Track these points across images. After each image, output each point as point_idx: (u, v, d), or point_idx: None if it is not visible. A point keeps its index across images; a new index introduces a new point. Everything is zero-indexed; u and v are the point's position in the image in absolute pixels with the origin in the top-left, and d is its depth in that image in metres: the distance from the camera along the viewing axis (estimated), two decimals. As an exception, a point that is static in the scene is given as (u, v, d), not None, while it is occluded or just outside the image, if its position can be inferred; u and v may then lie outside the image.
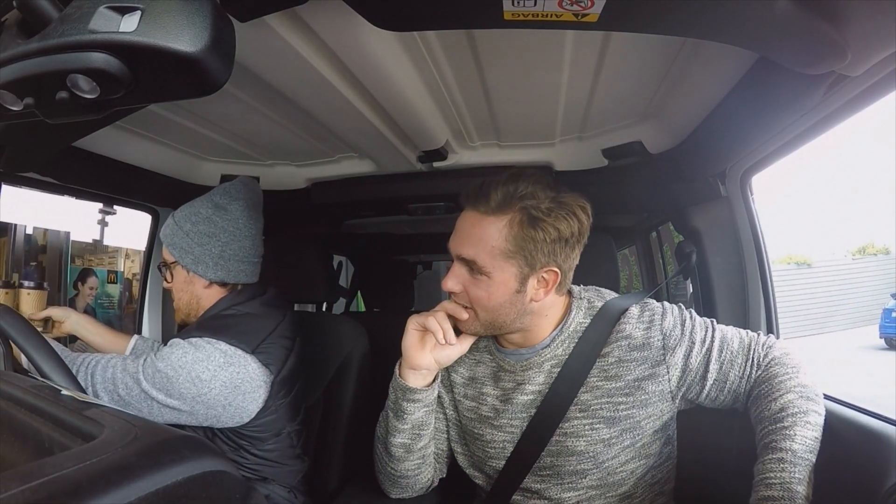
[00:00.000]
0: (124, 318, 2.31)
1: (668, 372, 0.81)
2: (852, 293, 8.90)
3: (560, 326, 0.87)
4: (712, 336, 0.83)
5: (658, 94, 0.98)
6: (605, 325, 0.85)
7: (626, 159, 1.19)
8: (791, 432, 0.72)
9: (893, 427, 0.78)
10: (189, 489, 0.32)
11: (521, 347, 0.89)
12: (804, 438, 0.71)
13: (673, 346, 0.82)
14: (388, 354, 1.86)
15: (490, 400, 0.90)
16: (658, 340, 0.82)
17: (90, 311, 2.19)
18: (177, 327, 1.24)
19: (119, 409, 0.89)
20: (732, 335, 0.84)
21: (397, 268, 2.43)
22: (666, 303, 0.89)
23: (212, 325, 0.99)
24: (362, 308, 2.59)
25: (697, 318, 0.86)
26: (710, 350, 0.82)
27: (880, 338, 7.56)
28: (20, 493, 0.28)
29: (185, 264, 1.03)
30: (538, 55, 0.84)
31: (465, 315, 0.83)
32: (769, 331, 1.16)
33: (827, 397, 0.96)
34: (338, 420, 1.33)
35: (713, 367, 0.81)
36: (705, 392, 0.82)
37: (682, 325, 0.84)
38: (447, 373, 0.96)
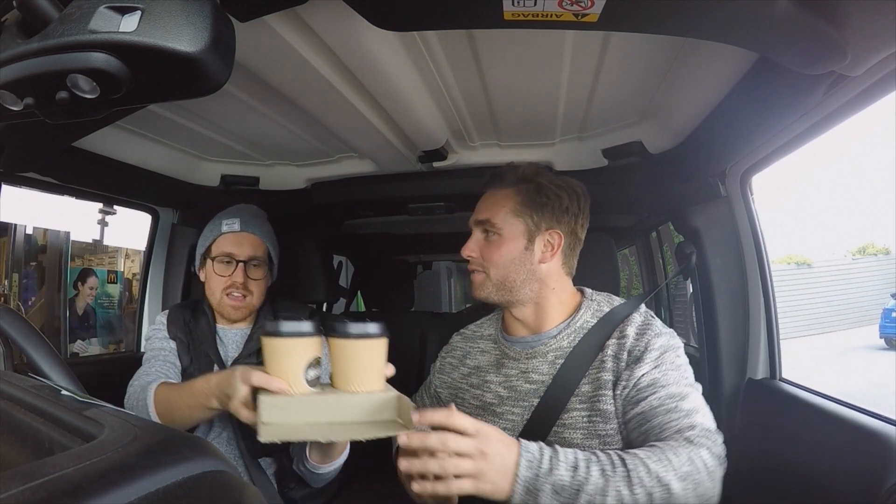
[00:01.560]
0: (124, 318, 2.31)
1: (626, 378, 0.80)
2: (852, 293, 8.90)
3: (568, 320, 0.90)
4: (679, 383, 0.78)
5: (658, 94, 0.98)
6: (609, 326, 0.88)
7: (626, 159, 1.19)
8: (630, 476, 0.64)
9: (893, 427, 0.78)
10: (189, 489, 0.32)
11: (528, 335, 0.93)
12: (621, 490, 0.63)
13: (642, 360, 0.80)
14: (387, 354, 1.87)
15: (493, 387, 0.93)
16: (638, 351, 0.82)
17: (90, 311, 2.19)
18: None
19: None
20: (691, 401, 0.77)
21: (397, 268, 2.43)
22: (671, 332, 0.86)
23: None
24: (362, 308, 2.59)
25: (685, 361, 0.83)
26: (662, 388, 0.77)
27: (880, 338, 7.56)
28: (20, 493, 0.28)
29: (276, 264, 1.18)
30: (538, 55, 0.84)
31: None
32: (769, 331, 1.16)
33: (827, 397, 0.96)
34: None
35: (650, 401, 0.77)
36: (628, 418, 0.79)
37: (665, 353, 0.81)
38: (454, 368, 1.01)
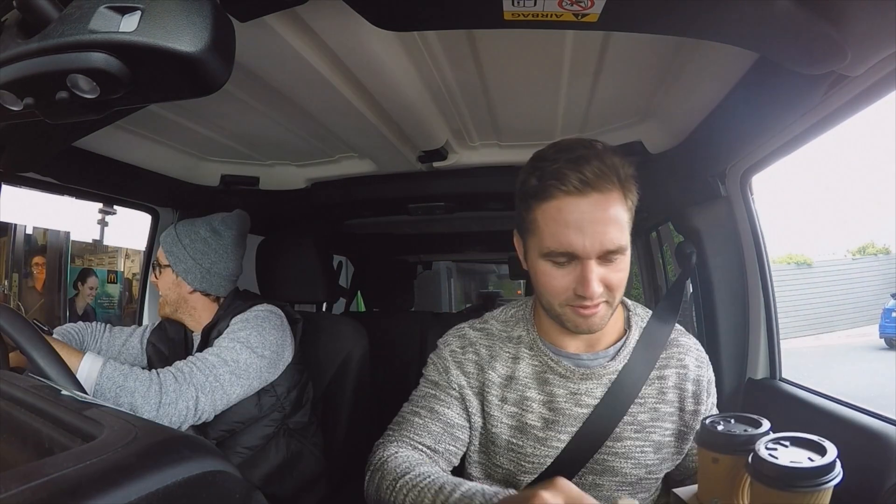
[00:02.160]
0: (124, 318, 2.31)
1: (703, 412, 0.81)
2: (852, 293, 8.90)
3: (623, 339, 0.81)
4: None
5: (658, 94, 0.98)
6: (655, 347, 0.81)
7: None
8: None
9: (893, 427, 0.78)
10: (189, 489, 0.32)
11: (584, 352, 0.80)
12: None
13: (710, 393, 0.83)
14: (387, 354, 1.88)
15: (535, 407, 0.79)
16: (705, 382, 0.82)
17: (90, 311, 2.19)
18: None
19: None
20: None
21: (397, 268, 2.43)
22: None
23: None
24: (362, 308, 2.59)
25: None
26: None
27: (880, 338, 7.56)
28: (20, 493, 0.28)
29: (177, 271, 1.17)
30: (538, 55, 0.84)
31: None
32: (769, 331, 1.16)
33: (827, 397, 0.96)
34: (337, 419, 1.33)
35: None
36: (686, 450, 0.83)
37: (714, 381, 0.85)
38: (480, 370, 0.81)
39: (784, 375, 1.14)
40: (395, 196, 1.45)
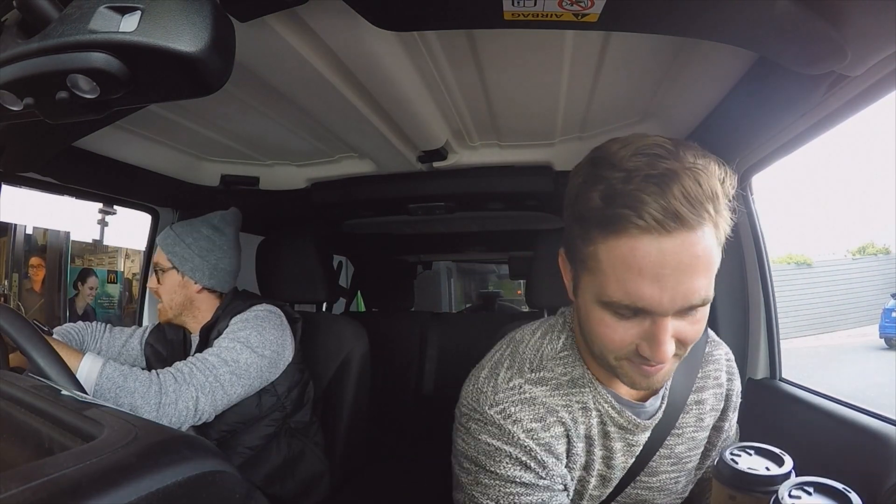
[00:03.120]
0: (124, 318, 2.31)
1: (725, 428, 0.75)
2: (852, 293, 8.90)
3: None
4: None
5: (658, 93, 0.98)
6: (692, 366, 0.69)
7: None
8: None
9: (893, 427, 0.78)
10: (189, 489, 0.32)
11: (643, 399, 0.65)
12: None
13: (737, 406, 0.76)
14: (388, 354, 1.88)
15: (597, 466, 0.64)
16: (734, 396, 0.74)
17: (90, 311, 2.19)
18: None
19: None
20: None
21: (397, 268, 2.43)
22: None
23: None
24: (362, 308, 2.59)
25: None
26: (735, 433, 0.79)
27: (880, 337, 7.56)
28: (20, 493, 0.28)
29: (183, 270, 1.16)
30: (538, 55, 0.84)
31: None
32: (769, 331, 1.16)
33: (827, 397, 0.96)
34: (337, 419, 1.33)
35: (731, 433, 0.78)
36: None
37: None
38: (568, 443, 0.62)
39: (784, 376, 1.15)
40: (395, 196, 1.45)
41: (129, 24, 0.41)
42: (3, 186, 1.18)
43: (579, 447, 0.62)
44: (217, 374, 0.98)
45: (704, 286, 0.51)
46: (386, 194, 1.44)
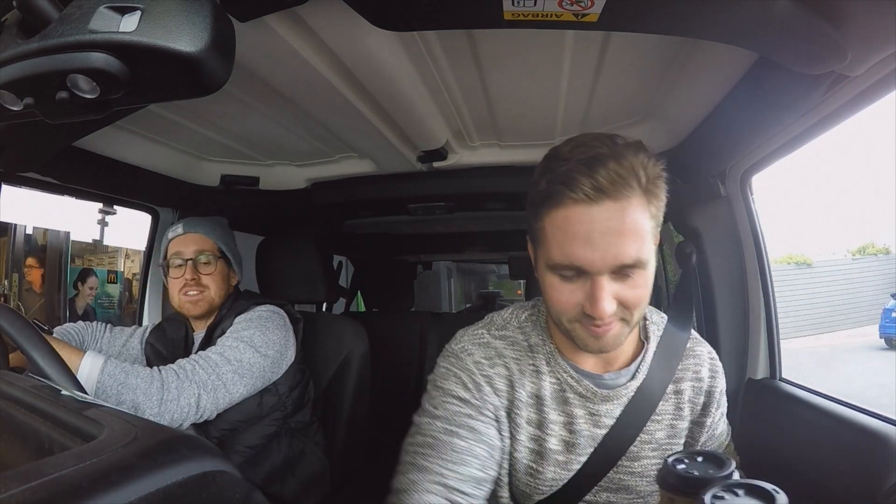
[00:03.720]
0: (124, 318, 2.31)
1: (707, 423, 0.78)
2: (852, 293, 8.90)
3: (642, 355, 0.75)
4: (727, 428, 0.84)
5: (658, 94, 0.98)
6: (673, 358, 0.76)
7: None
8: None
9: (893, 427, 0.78)
10: (189, 489, 0.32)
11: (603, 372, 0.73)
12: None
13: (721, 404, 0.79)
14: (387, 354, 1.88)
15: (557, 429, 0.72)
16: (717, 393, 0.77)
17: (90, 311, 2.19)
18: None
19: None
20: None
21: (397, 268, 2.43)
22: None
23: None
24: (362, 308, 2.59)
25: None
26: (723, 420, 0.82)
27: (880, 337, 7.56)
28: (20, 493, 0.28)
29: (234, 261, 1.20)
30: (538, 55, 0.84)
31: None
32: (769, 331, 1.16)
33: (827, 397, 0.96)
34: (337, 419, 1.33)
35: (721, 439, 0.81)
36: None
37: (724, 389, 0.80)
38: (511, 388, 0.72)
39: (784, 376, 1.15)
40: (395, 196, 1.45)
41: (129, 24, 0.41)
42: (3, 186, 1.18)
43: (523, 398, 0.72)
44: (220, 373, 0.98)
45: (634, 249, 0.60)
46: (386, 194, 1.44)
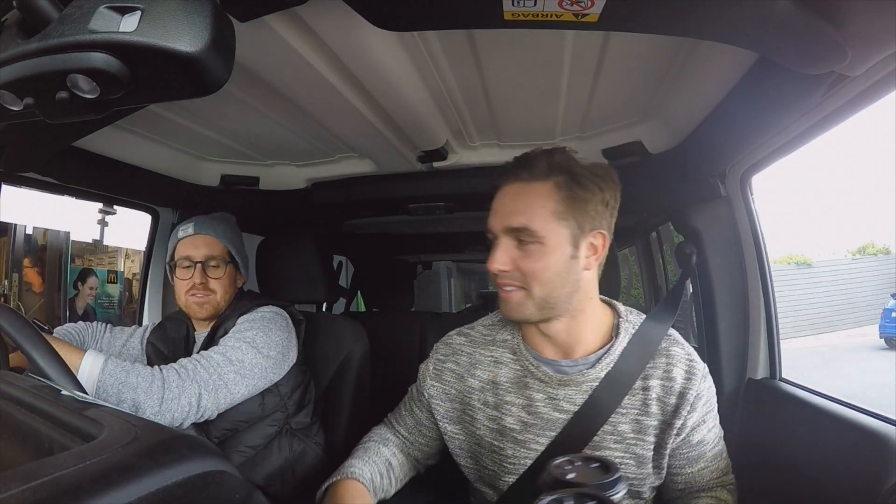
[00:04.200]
0: (124, 318, 2.31)
1: (676, 426, 0.78)
2: (852, 293, 8.90)
3: (607, 347, 0.81)
4: (719, 440, 0.84)
5: (658, 94, 0.98)
6: (644, 353, 0.80)
7: (626, 159, 1.19)
8: None
9: (893, 427, 0.78)
10: (189, 489, 0.32)
11: (561, 359, 0.81)
12: None
13: (695, 408, 0.78)
14: (387, 354, 1.87)
15: (514, 410, 0.81)
16: (691, 396, 0.77)
17: (90, 311, 2.19)
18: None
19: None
20: (725, 457, 0.85)
21: (397, 268, 2.43)
22: (698, 358, 0.83)
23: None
24: (362, 308, 2.59)
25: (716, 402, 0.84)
26: (710, 433, 0.82)
27: (880, 337, 7.56)
28: (20, 493, 0.28)
29: (242, 264, 1.20)
30: (538, 55, 0.84)
31: None
32: (769, 331, 1.16)
33: (827, 397, 0.96)
34: (337, 419, 1.33)
35: (701, 449, 0.81)
36: (675, 463, 0.82)
37: (711, 399, 0.81)
38: (459, 379, 0.87)
39: (784, 376, 1.14)
40: (395, 196, 1.45)
41: (129, 24, 0.41)
42: (3, 186, 1.18)
43: (476, 385, 0.85)
44: (221, 373, 0.98)
45: (523, 217, 0.74)
46: (386, 194, 1.44)
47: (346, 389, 1.34)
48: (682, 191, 1.21)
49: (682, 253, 1.19)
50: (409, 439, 0.93)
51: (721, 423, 0.85)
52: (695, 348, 0.85)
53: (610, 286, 1.22)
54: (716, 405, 0.83)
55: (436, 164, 1.32)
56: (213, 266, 1.15)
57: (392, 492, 0.89)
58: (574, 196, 0.75)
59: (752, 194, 1.17)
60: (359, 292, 2.52)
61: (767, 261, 1.16)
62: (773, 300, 1.16)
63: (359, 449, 0.90)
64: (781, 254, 9.14)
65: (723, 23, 0.55)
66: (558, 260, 0.75)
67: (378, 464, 0.87)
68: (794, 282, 8.79)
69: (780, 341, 1.16)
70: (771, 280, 1.16)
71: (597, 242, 0.78)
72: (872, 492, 0.71)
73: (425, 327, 2.04)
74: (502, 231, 0.76)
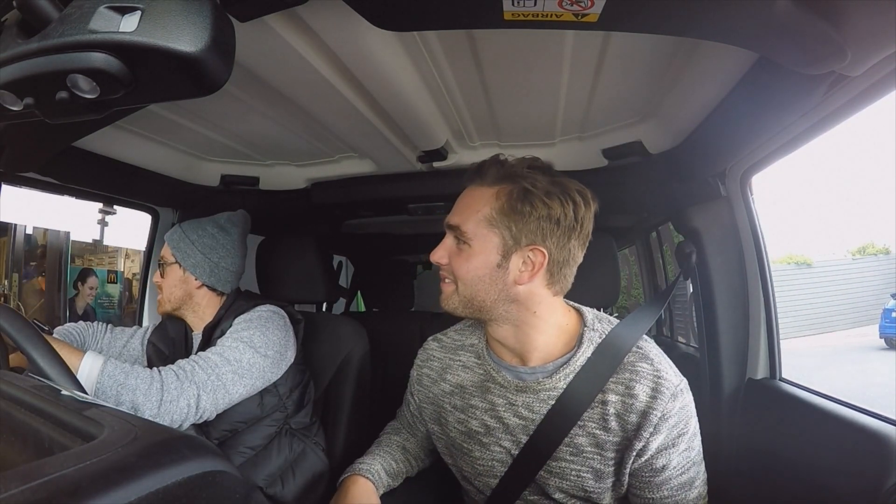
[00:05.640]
0: (124, 318, 2.32)
1: (636, 447, 0.73)
2: (852, 293, 8.90)
3: (568, 357, 0.79)
4: (689, 468, 0.76)
5: (658, 94, 0.98)
6: (609, 363, 0.77)
7: (625, 159, 1.19)
8: None
9: (893, 427, 0.78)
10: (189, 489, 0.32)
11: (518, 365, 0.83)
12: None
13: (659, 430, 0.72)
14: (387, 354, 1.87)
15: (479, 414, 0.85)
16: (654, 417, 0.72)
17: (90, 311, 2.19)
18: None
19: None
20: (696, 488, 0.77)
21: (397, 268, 2.43)
22: (683, 382, 0.77)
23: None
24: (362, 308, 2.59)
25: (695, 424, 0.77)
26: (679, 458, 0.75)
27: (880, 338, 7.56)
28: (20, 493, 0.28)
29: (185, 266, 1.18)
30: (538, 55, 0.84)
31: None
32: (769, 331, 1.16)
33: (827, 397, 0.96)
34: (337, 419, 1.33)
35: (665, 475, 0.75)
36: (635, 483, 0.77)
37: (684, 421, 0.74)
38: (433, 383, 0.94)
39: (783, 376, 1.15)
40: (395, 196, 1.45)
41: (129, 24, 0.41)
42: (3, 186, 1.18)
43: (446, 389, 0.90)
44: (219, 373, 0.98)
45: (459, 220, 0.78)
46: (386, 194, 1.44)
47: (347, 389, 1.34)
48: (682, 191, 1.21)
49: (682, 253, 1.19)
50: (412, 428, 1.02)
51: (721, 423, 0.85)
52: (694, 348, 0.84)
53: (610, 286, 1.22)
54: (693, 429, 0.76)
55: (436, 164, 1.32)
56: (160, 266, 1.22)
57: (415, 471, 0.98)
58: (512, 208, 0.75)
59: (752, 194, 1.17)
60: (359, 292, 2.52)
61: (767, 261, 1.16)
62: (773, 300, 1.16)
63: (374, 444, 0.99)
64: (781, 254, 9.14)
65: (723, 23, 0.55)
66: (481, 265, 0.77)
67: (392, 451, 0.95)
68: (794, 282, 8.79)
69: (780, 341, 1.17)
70: (771, 280, 1.16)
71: (534, 258, 0.76)
72: (873, 492, 0.71)
73: (425, 327, 2.04)
74: (446, 227, 0.82)
